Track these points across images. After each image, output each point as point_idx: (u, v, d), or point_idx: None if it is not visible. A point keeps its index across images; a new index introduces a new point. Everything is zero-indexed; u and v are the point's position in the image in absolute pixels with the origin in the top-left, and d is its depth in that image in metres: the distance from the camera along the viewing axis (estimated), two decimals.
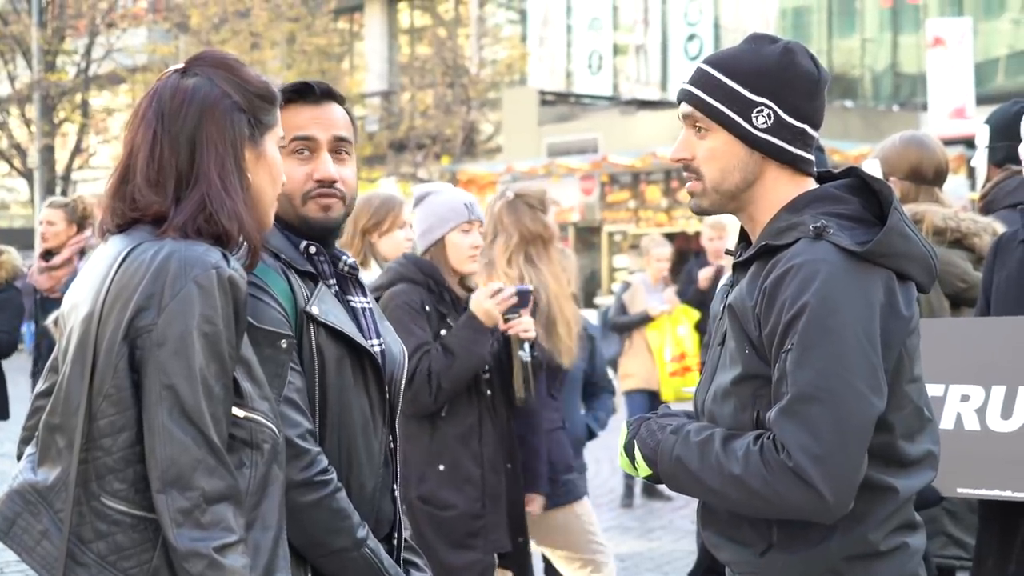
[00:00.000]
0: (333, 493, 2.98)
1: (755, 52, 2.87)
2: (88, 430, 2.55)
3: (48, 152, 32.58)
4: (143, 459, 2.53)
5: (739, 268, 2.92)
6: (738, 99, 2.84)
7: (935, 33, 24.13)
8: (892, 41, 29.49)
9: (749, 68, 2.85)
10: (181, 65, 2.78)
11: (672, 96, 28.74)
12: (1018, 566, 3.86)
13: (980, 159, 5.15)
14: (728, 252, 3.04)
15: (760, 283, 2.76)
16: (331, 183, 3.17)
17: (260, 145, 2.77)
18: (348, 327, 3.09)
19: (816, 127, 2.89)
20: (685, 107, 2.91)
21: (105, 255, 2.66)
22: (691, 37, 31.73)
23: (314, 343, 3.01)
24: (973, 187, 21.37)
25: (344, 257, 3.23)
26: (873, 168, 4.83)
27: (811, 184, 2.91)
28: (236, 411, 2.61)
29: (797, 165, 2.87)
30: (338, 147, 3.19)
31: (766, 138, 2.84)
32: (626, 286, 11.62)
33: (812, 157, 2.90)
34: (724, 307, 2.90)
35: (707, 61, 2.92)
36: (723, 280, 3.05)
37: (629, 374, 10.99)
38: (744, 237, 2.98)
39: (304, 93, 3.18)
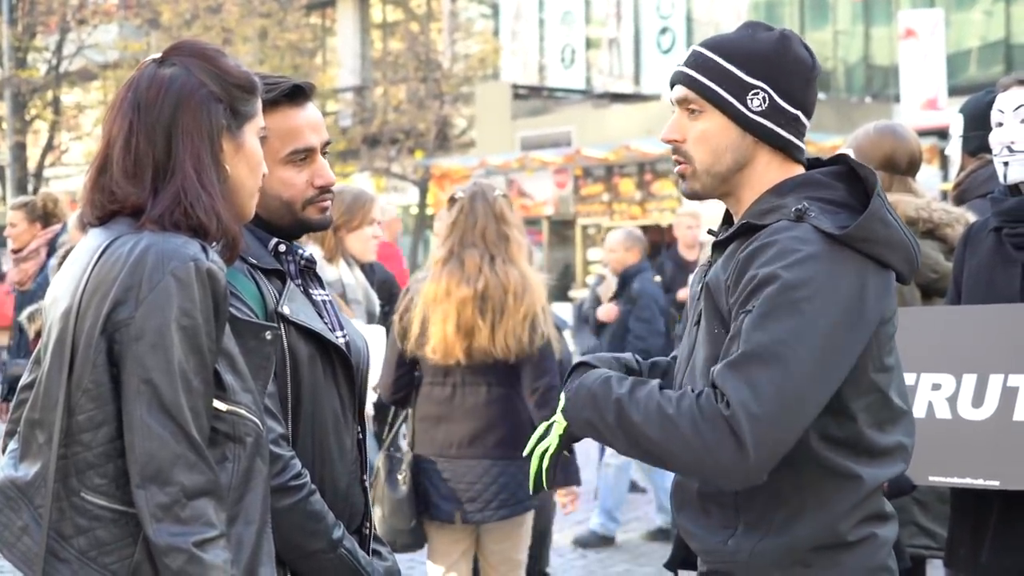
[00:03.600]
0: (308, 496, 2.99)
1: (751, 37, 2.89)
2: (67, 425, 2.54)
3: (20, 149, 32.40)
4: (124, 454, 2.53)
5: (717, 248, 2.93)
6: (734, 81, 2.85)
7: (907, 25, 24.20)
8: (864, 33, 29.56)
9: (745, 52, 2.86)
10: (159, 55, 2.76)
11: (645, 89, 28.71)
12: (990, 554, 3.88)
13: (955, 148, 5.17)
14: (710, 232, 3.05)
15: (736, 256, 2.78)
16: (331, 187, 3.19)
17: (239, 136, 2.75)
18: (318, 324, 3.10)
19: (809, 116, 2.90)
20: (679, 89, 2.91)
21: (85, 249, 2.66)
22: (664, 30, 31.74)
23: (286, 343, 3.02)
24: (945, 178, 21.44)
25: (300, 251, 3.23)
26: None
27: (799, 171, 2.92)
28: (218, 404, 2.60)
29: (789, 151, 2.89)
30: (324, 148, 3.22)
31: (760, 121, 2.85)
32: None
33: (803, 145, 2.91)
34: (701, 287, 2.91)
35: (703, 44, 2.93)
36: (701, 262, 3.06)
37: None
38: (727, 220, 3.00)
39: (294, 96, 3.16)
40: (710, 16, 30.32)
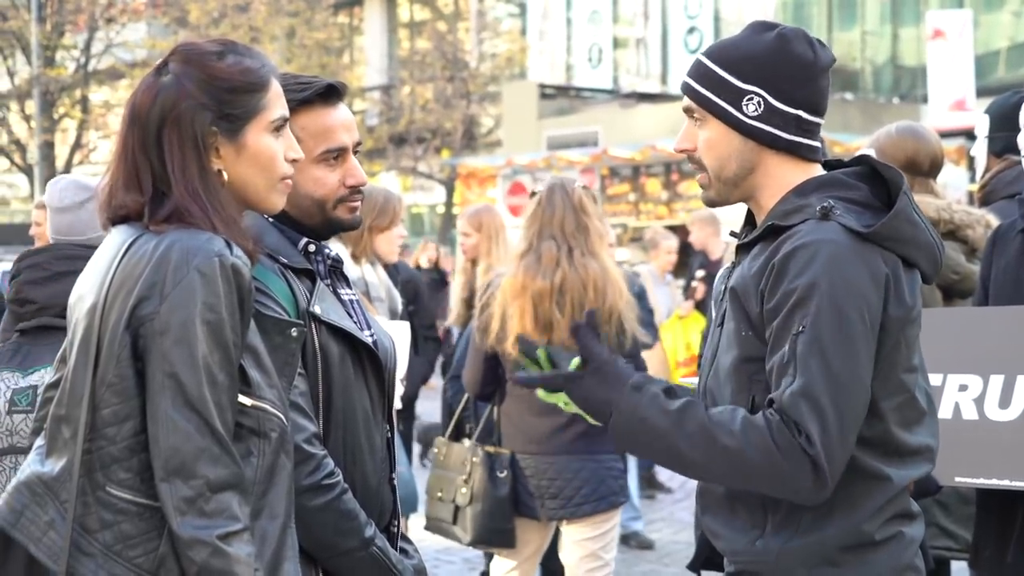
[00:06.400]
0: (340, 495, 3.00)
1: (750, 40, 2.88)
2: (92, 420, 2.55)
3: (48, 148, 32.53)
4: (148, 448, 2.54)
5: (742, 250, 2.92)
6: (728, 88, 2.85)
7: (935, 25, 24.13)
8: (892, 33, 29.48)
9: (740, 56, 2.86)
10: (162, 60, 2.75)
11: (672, 89, 28.73)
12: (1015, 555, 3.87)
13: (980, 149, 5.16)
14: (732, 234, 3.05)
15: (767, 260, 2.77)
16: (362, 187, 3.20)
17: (240, 137, 2.72)
18: (348, 323, 3.10)
19: (814, 112, 2.87)
20: (685, 99, 2.93)
21: (110, 246, 2.67)
22: (691, 30, 31.72)
23: (317, 342, 3.02)
24: (973, 179, 21.33)
25: (327, 250, 3.24)
26: None
27: (818, 169, 2.91)
28: (243, 399, 2.61)
29: (798, 152, 2.87)
30: (355, 148, 3.22)
31: (758, 126, 2.84)
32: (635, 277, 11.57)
33: (813, 143, 2.89)
34: (725, 288, 2.91)
35: (705, 51, 2.94)
36: (725, 263, 3.06)
37: None
38: (749, 220, 3.00)
39: (327, 96, 3.16)
40: (738, 15, 30.28)
